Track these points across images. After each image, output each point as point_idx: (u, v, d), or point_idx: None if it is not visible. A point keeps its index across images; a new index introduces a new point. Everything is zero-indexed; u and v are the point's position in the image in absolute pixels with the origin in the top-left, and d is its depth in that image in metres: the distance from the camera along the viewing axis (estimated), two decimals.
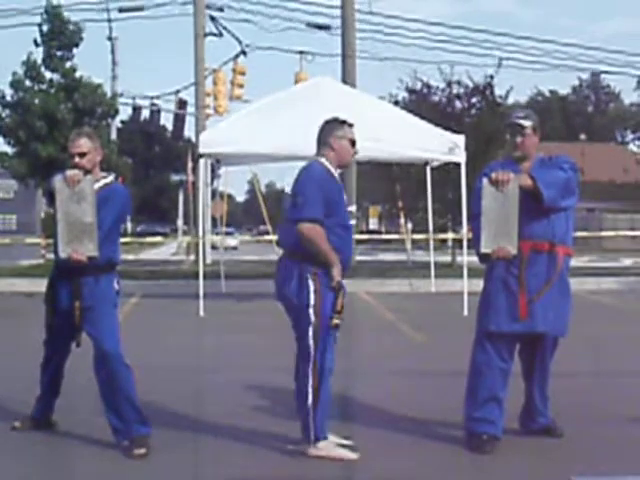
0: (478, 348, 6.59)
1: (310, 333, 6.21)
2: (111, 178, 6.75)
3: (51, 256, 6.86)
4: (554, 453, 6.42)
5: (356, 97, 17.27)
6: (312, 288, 6.21)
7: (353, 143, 6.56)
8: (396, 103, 27.24)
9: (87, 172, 6.49)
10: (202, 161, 16.97)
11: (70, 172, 6.43)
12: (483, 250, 6.51)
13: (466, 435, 6.61)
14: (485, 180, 6.43)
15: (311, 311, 6.21)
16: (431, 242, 20.06)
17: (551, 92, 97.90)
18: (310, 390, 6.20)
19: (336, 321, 6.26)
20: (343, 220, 6.41)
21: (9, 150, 25.60)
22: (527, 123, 6.62)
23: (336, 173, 6.50)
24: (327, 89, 16.68)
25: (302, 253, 6.25)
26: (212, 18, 32.09)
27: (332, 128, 6.55)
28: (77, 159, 6.53)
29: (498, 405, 6.54)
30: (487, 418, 6.48)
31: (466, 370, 6.69)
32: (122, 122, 54.66)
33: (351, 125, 6.59)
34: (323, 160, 6.46)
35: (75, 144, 6.58)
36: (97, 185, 6.52)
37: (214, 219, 30.57)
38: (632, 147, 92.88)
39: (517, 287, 6.46)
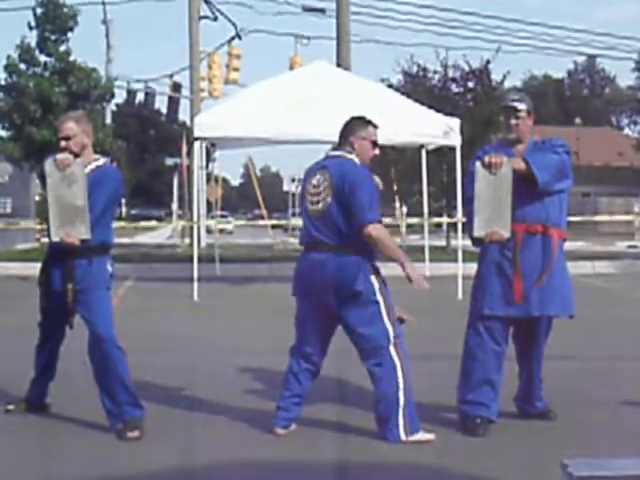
0: (472, 331, 6.59)
1: (391, 339, 6.17)
2: (103, 160, 6.74)
3: (46, 240, 6.85)
4: (546, 436, 6.44)
5: (351, 81, 17.25)
6: (377, 286, 6.20)
7: (375, 145, 6.48)
8: (390, 87, 27.21)
9: (75, 155, 6.49)
10: (197, 144, 16.96)
11: (60, 155, 6.42)
12: (476, 234, 6.51)
13: (460, 418, 6.63)
14: (478, 163, 6.43)
15: (383, 311, 6.19)
16: (426, 226, 20.08)
17: (545, 77, 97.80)
18: (402, 394, 6.17)
19: (402, 316, 6.34)
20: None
21: (3, 134, 25.56)
22: (522, 106, 6.62)
23: None
24: (323, 73, 16.69)
25: (357, 248, 6.19)
26: (207, 1, 32.07)
27: (356, 127, 6.45)
28: (63, 143, 6.54)
29: (492, 388, 6.55)
30: (481, 401, 6.49)
31: (460, 354, 6.70)
32: (117, 105, 54.62)
33: (376, 126, 6.51)
34: (354, 158, 6.36)
35: (60, 128, 6.60)
36: (89, 168, 6.51)
37: (209, 203, 30.58)
38: (627, 131, 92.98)
39: (512, 270, 6.45)
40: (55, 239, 6.38)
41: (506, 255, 6.48)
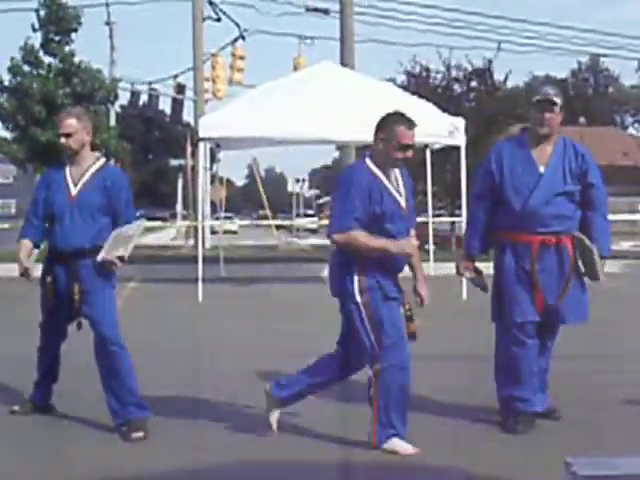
0: (510, 339, 6.49)
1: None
2: (103, 159, 6.81)
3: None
4: (551, 435, 6.43)
5: (357, 80, 17.17)
6: (357, 288, 5.91)
7: (404, 147, 5.97)
8: None
9: (75, 152, 6.52)
10: (201, 145, 16.98)
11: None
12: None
13: (505, 415, 6.58)
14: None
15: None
16: (430, 225, 20.04)
17: (546, 77, 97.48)
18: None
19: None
20: (388, 228, 5.95)
21: (8, 135, 25.57)
22: (559, 100, 6.43)
23: (382, 175, 5.99)
24: (328, 73, 16.67)
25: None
26: (210, 2, 32.06)
27: (381, 126, 6.02)
28: (63, 139, 6.56)
29: (535, 380, 6.56)
30: (529, 397, 6.50)
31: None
32: (121, 107, 54.49)
33: (410, 126, 6.02)
34: (367, 161, 6.02)
35: (62, 124, 6.60)
36: (93, 167, 6.61)
37: (213, 203, 30.58)
38: (632, 130, 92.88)
39: (530, 282, 6.42)
40: (99, 259, 6.44)
41: (523, 267, 6.45)
